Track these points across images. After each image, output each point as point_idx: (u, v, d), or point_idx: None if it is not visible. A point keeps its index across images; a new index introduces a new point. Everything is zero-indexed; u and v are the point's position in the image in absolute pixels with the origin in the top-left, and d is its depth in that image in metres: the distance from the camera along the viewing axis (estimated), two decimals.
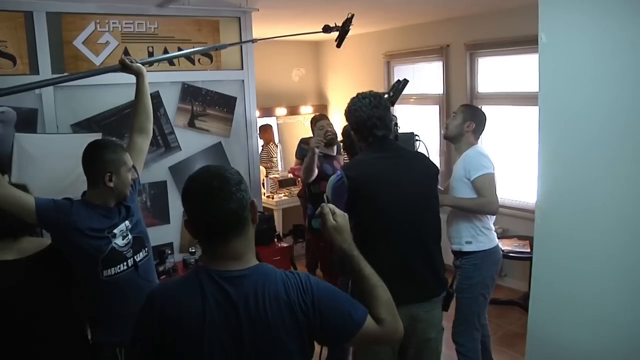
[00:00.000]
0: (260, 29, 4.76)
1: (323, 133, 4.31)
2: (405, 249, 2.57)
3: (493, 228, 3.51)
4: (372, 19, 5.88)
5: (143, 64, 2.89)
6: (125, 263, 2.51)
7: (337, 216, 1.72)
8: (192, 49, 3.48)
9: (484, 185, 3.29)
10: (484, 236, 3.38)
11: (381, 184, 2.59)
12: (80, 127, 3.90)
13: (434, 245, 2.69)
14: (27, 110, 3.72)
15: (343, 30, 3.56)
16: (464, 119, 3.50)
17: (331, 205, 1.76)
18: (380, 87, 6.65)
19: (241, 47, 4.60)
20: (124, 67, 2.87)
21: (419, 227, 2.61)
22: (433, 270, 2.67)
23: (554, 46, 2.27)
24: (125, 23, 4.07)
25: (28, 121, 3.71)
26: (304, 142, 5.10)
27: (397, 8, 5.18)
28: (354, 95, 2.80)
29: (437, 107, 6.22)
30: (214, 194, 1.46)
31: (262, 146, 7.06)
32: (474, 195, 3.32)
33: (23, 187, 2.61)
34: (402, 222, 2.57)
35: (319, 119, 4.90)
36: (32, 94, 3.70)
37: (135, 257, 2.56)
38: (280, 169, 7.27)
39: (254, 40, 3.44)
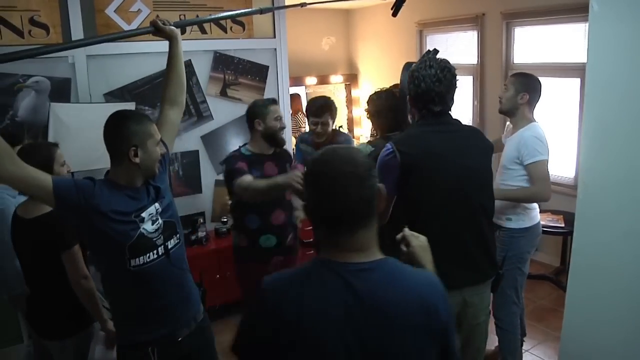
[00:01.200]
0: None
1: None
2: (459, 228, 2.42)
3: (537, 206, 3.41)
4: None
5: (177, 26, 2.54)
6: (155, 251, 2.19)
7: (420, 237, 1.64)
8: (236, 11, 3.26)
9: (537, 173, 3.11)
10: (525, 214, 3.29)
11: (436, 159, 2.41)
12: (113, 96, 3.90)
13: (487, 226, 2.56)
14: (60, 79, 3.75)
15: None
16: (517, 90, 3.24)
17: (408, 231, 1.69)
18: (412, 57, 6.50)
19: (273, 14, 4.53)
20: (156, 30, 2.45)
21: (473, 206, 2.46)
22: (487, 251, 2.54)
23: (606, 16, 2.16)
24: None
25: (61, 90, 3.74)
26: (303, 140, 3.99)
27: None
28: (401, 62, 2.82)
29: (470, 78, 6.08)
30: (346, 181, 1.33)
31: (291, 115, 6.99)
32: (523, 175, 3.21)
33: (54, 146, 2.64)
34: (456, 201, 2.41)
35: (270, 104, 3.23)
36: (66, 63, 3.73)
37: (166, 244, 2.24)
38: None
39: (303, 4, 3.28)
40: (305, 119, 7.24)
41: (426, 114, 2.49)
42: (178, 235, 2.32)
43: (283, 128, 3.20)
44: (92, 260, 2.56)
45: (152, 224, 2.19)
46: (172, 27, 2.48)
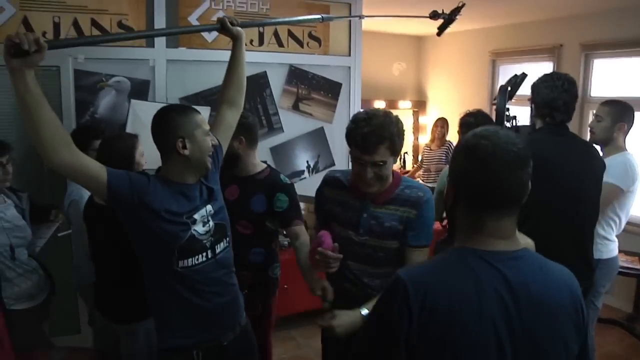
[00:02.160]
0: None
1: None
2: (563, 238, 2.48)
3: (615, 240, 3.26)
4: (478, 14, 5.67)
5: (243, 27, 2.44)
6: (204, 254, 2.13)
7: (528, 240, 1.61)
8: (297, 18, 3.27)
9: (603, 193, 3.03)
10: (603, 245, 3.15)
11: (559, 165, 2.50)
12: (188, 100, 3.96)
13: (589, 241, 2.64)
14: (140, 81, 3.84)
15: (449, 18, 3.40)
16: (614, 120, 3.14)
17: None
18: (483, 87, 6.46)
19: (350, 33, 4.54)
20: (222, 28, 2.36)
21: (581, 217, 2.56)
22: (586, 261, 2.59)
23: None
24: (239, 2, 4.10)
25: (140, 92, 3.83)
26: (330, 182, 2.46)
27: (509, 2, 4.95)
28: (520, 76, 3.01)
29: None
30: (512, 160, 1.25)
31: None
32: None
33: (136, 136, 2.73)
34: (568, 209, 2.50)
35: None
36: (147, 65, 3.84)
37: (215, 247, 2.18)
38: None
39: (361, 16, 3.28)
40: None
41: (549, 122, 2.61)
42: (227, 239, 2.27)
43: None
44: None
45: (203, 226, 2.13)
46: (239, 28, 2.40)
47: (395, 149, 2.12)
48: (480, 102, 6.28)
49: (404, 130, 2.16)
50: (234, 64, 2.47)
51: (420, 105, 7.41)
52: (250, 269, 2.77)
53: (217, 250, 2.19)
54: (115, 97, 3.77)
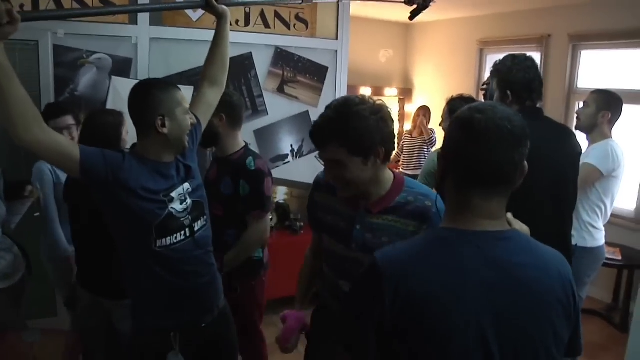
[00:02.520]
0: (354, 2, 4.62)
1: None
2: (544, 220, 2.37)
3: (602, 228, 3.25)
4: (467, 3, 5.64)
5: (229, 5, 2.38)
6: (183, 232, 2.08)
7: (524, 227, 1.47)
8: None
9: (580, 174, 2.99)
10: (588, 233, 3.15)
11: (536, 149, 2.37)
12: (171, 80, 3.87)
13: (568, 226, 2.56)
14: (122, 59, 3.75)
15: (423, 4, 3.28)
16: (598, 107, 3.18)
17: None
18: (470, 76, 6.44)
19: (337, 17, 4.48)
20: (207, 5, 2.29)
21: (559, 201, 2.47)
22: (565, 246, 2.49)
23: None
24: None
25: (122, 70, 3.74)
26: (320, 187, 2.14)
27: None
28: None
29: None
30: (504, 137, 1.19)
31: None
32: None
33: (122, 114, 2.64)
34: (547, 193, 2.41)
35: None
36: (129, 43, 3.75)
37: (193, 225, 2.12)
38: None
39: None
40: None
41: (528, 106, 2.48)
42: (205, 217, 2.21)
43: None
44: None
45: (181, 204, 2.08)
46: (224, 6, 2.34)
47: (353, 148, 1.70)
48: (466, 90, 6.16)
49: (379, 127, 1.71)
50: (217, 42, 2.41)
51: (406, 93, 7.37)
52: (225, 250, 2.72)
53: (196, 229, 2.14)
54: (96, 74, 3.67)
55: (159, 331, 2.10)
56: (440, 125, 3.42)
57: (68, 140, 1.92)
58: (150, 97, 2.00)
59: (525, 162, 1.25)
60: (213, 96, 2.36)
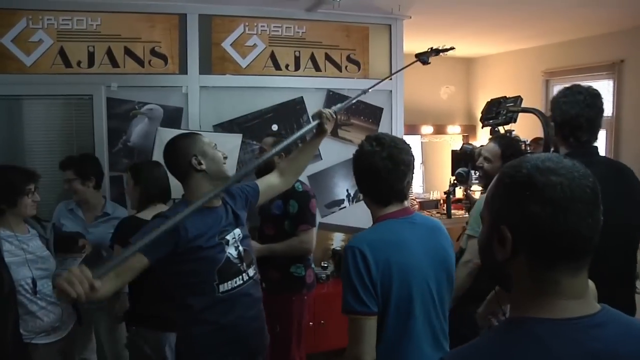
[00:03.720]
0: (411, 39, 4.52)
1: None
2: (602, 277, 2.03)
3: None
4: (530, 33, 5.42)
5: (336, 111, 2.43)
6: (241, 277, 2.20)
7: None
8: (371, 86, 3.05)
9: None
10: None
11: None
12: (222, 128, 3.88)
13: (630, 284, 2.23)
14: (173, 108, 3.80)
15: (434, 52, 3.02)
16: None
17: None
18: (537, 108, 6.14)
19: (390, 56, 4.40)
20: (320, 129, 2.39)
21: (618, 254, 2.15)
22: (629, 306, 2.19)
23: None
24: (274, 26, 4.03)
25: (173, 119, 3.79)
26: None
27: (563, 18, 4.68)
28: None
29: (603, 133, 5.58)
30: (594, 201, 0.99)
31: None
32: None
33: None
34: (612, 244, 2.01)
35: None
36: (179, 92, 3.80)
37: (248, 270, 2.25)
38: (421, 190, 6.93)
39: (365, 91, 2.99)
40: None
41: (573, 144, 2.28)
42: (254, 266, 2.32)
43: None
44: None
45: (235, 250, 2.20)
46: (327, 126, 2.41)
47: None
48: (533, 125, 5.97)
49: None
50: (305, 150, 2.56)
51: (470, 130, 7.12)
52: (275, 267, 3.09)
53: (250, 274, 2.26)
54: (148, 125, 3.73)
55: None
56: (480, 166, 3.00)
57: (134, 260, 1.91)
58: (178, 146, 2.19)
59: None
60: (278, 185, 2.52)
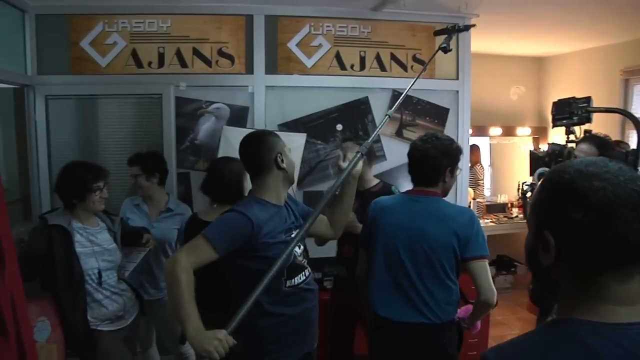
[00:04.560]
0: (479, 38, 4.42)
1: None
2: None
3: None
4: (606, 30, 5.19)
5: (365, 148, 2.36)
6: (304, 273, 2.29)
7: None
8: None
9: None
10: None
11: None
12: (287, 127, 3.92)
13: None
14: (239, 107, 3.87)
15: (444, 45, 2.89)
16: None
17: None
18: None
19: (457, 56, 4.31)
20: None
21: None
22: None
23: None
24: (339, 26, 4.03)
25: (239, 118, 3.86)
26: None
27: None
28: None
29: None
30: (637, 204, 0.94)
31: (469, 168, 6.65)
32: None
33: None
34: None
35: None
36: (245, 92, 3.89)
37: (309, 267, 2.35)
38: (488, 193, 6.77)
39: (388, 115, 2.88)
40: (482, 170, 6.87)
41: None
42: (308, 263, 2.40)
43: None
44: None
45: (299, 248, 2.27)
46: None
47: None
48: (611, 127, 5.73)
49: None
50: (340, 201, 2.51)
51: (540, 132, 6.90)
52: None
53: (310, 270, 2.36)
54: (214, 123, 3.82)
55: None
56: None
57: (203, 254, 2.01)
58: (267, 141, 2.26)
59: None
60: (323, 232, 2.53)
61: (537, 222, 1.04)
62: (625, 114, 2.76)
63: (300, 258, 2.27)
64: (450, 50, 2.84)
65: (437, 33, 2.96)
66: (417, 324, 2.33)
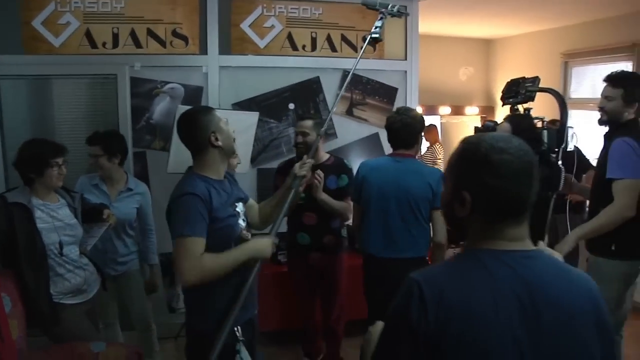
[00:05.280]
0: (428, 20, 4.59)
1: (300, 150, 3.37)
2: None
3: None
4: (549, 15, 5.43)
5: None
6: None
7: None
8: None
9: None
10: None
11: None
12: (241, 106, 4.03)
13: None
14: (193, 87, 3.96)
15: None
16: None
17: None
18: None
19: (406, 37, 4.47)
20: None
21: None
22: None
23: None
24: (291, 8, 4.14)
25: (194, 98, 3.95)
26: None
27: None
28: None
29: None
30: (530, 170, 1.28)
31: (427, 147, 6.86)
32: None
33: None
34: None
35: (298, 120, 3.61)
36: (200, 72, 3.97)
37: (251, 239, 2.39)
38: (442, 169, 7.00)
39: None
40: (442, 149, 7.08)
41: None
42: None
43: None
44: None
45: (243, 222, 2.33)
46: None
47: None
48: (552, 106, 5.98)
49: None
50: (283, 200, 2.55)
51: (488, 111, 7.18)
52: (331, 232, 3.48)
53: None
54: (169, 103, 3.90)
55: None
56: None
57: (196, 248, 2.10)
58: (200, 120, 2.26)
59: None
60: (251, 216, 2.55)
61: (455, 183, 1.33)
62: (553, 93, 2.97)
63: (245, 233, 2.32)
64: (381, 40, 2.89)
65: (368, 6, 2.90)
66: (396, 259, 2.98)
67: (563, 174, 2.74)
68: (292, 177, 2.54)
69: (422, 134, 3.17)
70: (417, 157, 3.25)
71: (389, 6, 2.86)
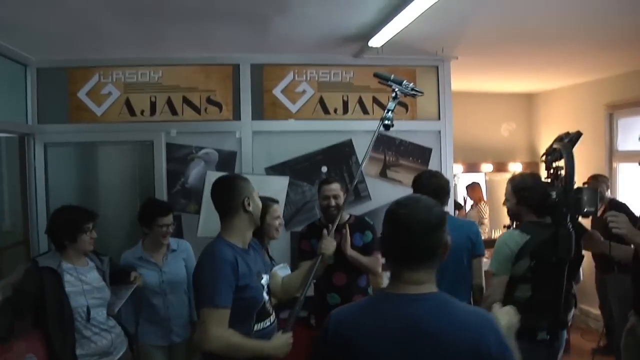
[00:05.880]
0: (459, 78, 4.60)
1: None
2: None
3: None
4: (590, 66, 5.32)
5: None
6: (269, 319, 2.37)
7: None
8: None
9: None
10: None
11: None
12: (274, 170, 4.10)
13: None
14: (227, 152, 4.08)
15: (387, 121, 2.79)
16: None
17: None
18: (600, 143, 6.01)
19: (438, 97, 4.49)
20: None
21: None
22: None
23: None
24: (322, 73, 4.25)
25: (227, 162, 4.07)
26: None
27: (625, 48, 4.45)
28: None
29: None
30: (417, 227, 1.49)
31: (472, 206, 6.72)
32: None
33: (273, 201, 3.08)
34: None
35: (321, 185, 3.49)
36: (233, 137, 4.09)
37: (273, 313, 2.43)
38: (487, 229, 6.84)
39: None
40: (487, 207, 6.91)
41: None
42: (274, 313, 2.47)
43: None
44: None
45: (266, 294, 2.36)
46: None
47: None
48: (597, 160, 5.86)
49: None
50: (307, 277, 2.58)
51: (532, 167, 7.00)
52: (359, 291, 3.40)
53: (273, 318, 2.41)
54: (204, 167, 4.02)
55: None
56: (503, 204, 3.21)
57: (222, 317, 2.15)
58: (236, 184, 2.36)
59: (447, 239, 1.54)
60: (279, 292, 2.63)
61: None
62: (562, 150, 2.88)
63: (267, 305, 2.36)
64: (393, 126, 2.75)
65: (380, 79, 2.85)
66: None
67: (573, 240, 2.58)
68: (318, 251, 2.55)
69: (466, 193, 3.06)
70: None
71: (403, 83, 2.76)
